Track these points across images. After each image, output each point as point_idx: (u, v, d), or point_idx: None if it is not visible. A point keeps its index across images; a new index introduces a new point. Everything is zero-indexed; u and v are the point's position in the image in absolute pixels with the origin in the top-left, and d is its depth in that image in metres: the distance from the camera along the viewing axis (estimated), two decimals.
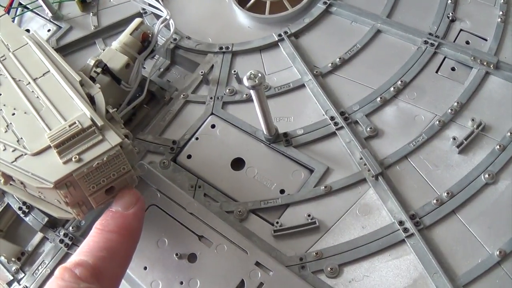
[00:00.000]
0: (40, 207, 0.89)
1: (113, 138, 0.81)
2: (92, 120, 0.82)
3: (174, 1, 1.29)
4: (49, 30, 1.28)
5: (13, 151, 0.84)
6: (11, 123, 0.88)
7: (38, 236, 1.02)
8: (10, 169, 0.83)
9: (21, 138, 0.85)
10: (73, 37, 1.25)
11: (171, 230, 0.88)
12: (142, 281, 0.86)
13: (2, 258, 1.02)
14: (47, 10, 1.27)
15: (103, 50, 1.14)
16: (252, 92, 0.85)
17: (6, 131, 0.87)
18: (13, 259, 1.01)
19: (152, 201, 0.90)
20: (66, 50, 1.21)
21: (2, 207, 1.05)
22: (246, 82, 0.83)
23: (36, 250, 1.01)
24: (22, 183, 0.85)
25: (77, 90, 0.89)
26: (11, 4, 1.30)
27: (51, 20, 1.29)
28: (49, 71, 0.94)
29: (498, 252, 0.83)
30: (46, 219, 0.99)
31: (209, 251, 0.86)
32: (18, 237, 1.03)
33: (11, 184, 0.89)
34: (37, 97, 0.90)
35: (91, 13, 1.28)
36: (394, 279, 0.85)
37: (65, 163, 0.79)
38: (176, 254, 0.86)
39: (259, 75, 0.83)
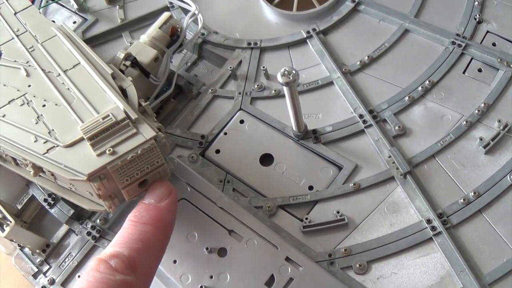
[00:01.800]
0: (70, 199, 0.89)
1: (147, 131, 0.81)
2: (125, 113, 0.83)
3: None
4: (74, 22, 1.28)
5: (44, 142, 0.85)
6: (41, 115, 0.89)
7: (64, 228, 1.02)
8: (42, 161, 0.83)
9: (53, 129, 0.86)
10: (99, 29, 1.25)
11: (201, 224, 0.89)
12: (172, 274, 0.87)
13: (27, 249, 1.02)
14: (72, 2, 1.28)
15: (130, 43, 1.15)
16: (285, 88, 0.86)
17: (37, 123, 0.88)
18: (37, 250, 1.01)
19: (182, 195, 0.91)
20: (92, 42, 1.21)
21: (27, 199, 1.06)
22: (280, 78, 0.83)
23: (61, 242, 1.01)
24: (52, 174, 0.86)
25: (109, 83, 0.90)
26: None
27: (76, 12, 1.29)
28: (79, 63, 0.95)
29: None
30: (72, 211, 1.00)
31: (239, 246, 0.86)
32: (42, 229, 1.04)
33: (40, 176, 0.90)
34: (68, 89, 0.91)
35: (118, 6, 1.28)
36: (421, 277, 0.86)
37: (98, 155, 0.79)
38: (206, 248, 0.86)
39: (293, 72, 0.83)
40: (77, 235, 1.00)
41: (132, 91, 0.90)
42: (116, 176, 0.79)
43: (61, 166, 0.81)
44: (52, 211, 1.01)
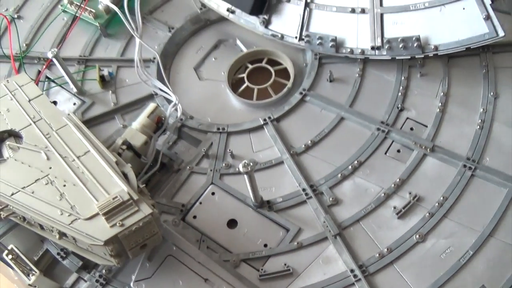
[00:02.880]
0: (86, 256, 1.43)
1: (146, 209, 1.34)
2: (129, 195, 1.36)
3: (179, 84, 1.89)
4: (74, 104, 1.83)
5: (68, 215, 1.36)
6: (64, 193, 1.41)
7: (73, 276, 1.53)
8: (68, 230, 1.35)
9: (74, 205, 1.38)
10: (96, 111, 1.81)
11: (184, 274, 1.44)
12: None
13: None
14: (71, 85, 1.83)
15: (122, 125, 1.73)
16: (245, 175, 1.42)
17: (60, 199, 1.40)
18: None
19: (169, 253, 1.46)
20: (90, 123, 1.75)
21: (42, 252, 1.57)
22: (241, 168, 1.38)
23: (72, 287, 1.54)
24: (74, 238, 1.38)
25: (114, 169, 1.43)
26: (39, 78, 1.86)
27: (75, 94, 1.85)
28: (89, 150, 1.48)
29: None
30: (81, 262, 1.52)
31: None
32: (54, 276, 1.55)
33: (63, 239, 1.42)
34: (82, 172, 1.43)
35: (110, 91, 1.84)
36: None
37: (111, 227, 1.32)
38: None
39: (251, 164, 1.38)
40: (85, 281, 1.51)
41: (132, 175, 1.44)
42: (124, 242, 1.33)
43: (83, 234, 1.33)
44: (64, 262, 1.54)
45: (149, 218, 1.34)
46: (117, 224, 1.33)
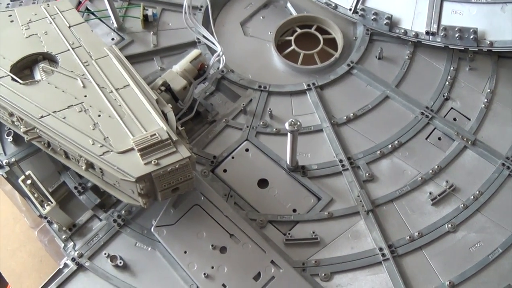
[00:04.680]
0: (111, 192, 1.34)
1: (184, 151, 1.27)
2: (168, 134, 1.28)
3: (223, 36, 1.81)
4: (112, 39, 1.75)
5: (100, 146, 1.29)
6: (97, 123, 1.33)
7: (88, 213, 1.45)
8: (98, 161, 1.27)
9: (107, 137, 1.30)
10: (134, 50, 1.74)
11: (209, 226, 1.36)
12: (182, 261, 1.33)
13: (55, 225, 1.43)
14: (112, 20, 1.75)
15: (160, 67, 1.64)
16: (289, 134, 1.34)
17: (93, 129, 1.32)
18: (64, 228, 1.42)
19: (196, 202, 1.38)
20: (128, 60, 1.62)
21: (58, 184, 1.49)
22: (287, 126, 1.30)
23: (86, 224, 1.44)
24: (102, 171, 1.30)
25: (154, 107, 1.35)
26: (79, 8, 1.77)
27: (115, 30, 1.77)
28: (129, 84, 1.40)
29: (448, 283, 1.33)
30: (98, 200, 1.45)
31: (237, 247, 1.33)
32: (67, 211, 1.45)
33: (88, 171, 1.34)
34: (120, 105, 1.35)
35: (152, 32, 1.76)
36: None
37: (146, 164, 1.24)
38: (211, 245, 1.33)
39: (298, 123, 1.30)
40: (100, 220, 1.43)
41: (171, 116, 1.36)
42: (157, 182, 1.25)
43: (115, 167, 1.25)
44: (81, 197, 1.46)
45: (186, 161, 1.26)
46: (152, 163, 1.25)
